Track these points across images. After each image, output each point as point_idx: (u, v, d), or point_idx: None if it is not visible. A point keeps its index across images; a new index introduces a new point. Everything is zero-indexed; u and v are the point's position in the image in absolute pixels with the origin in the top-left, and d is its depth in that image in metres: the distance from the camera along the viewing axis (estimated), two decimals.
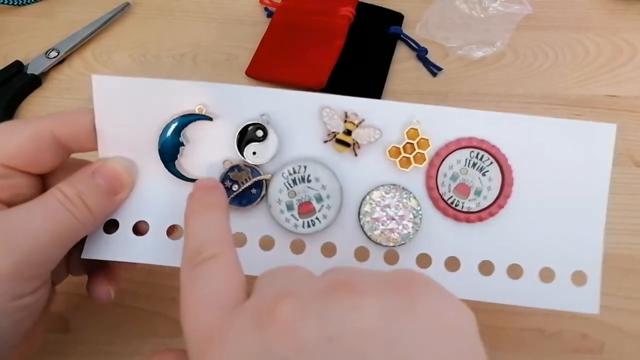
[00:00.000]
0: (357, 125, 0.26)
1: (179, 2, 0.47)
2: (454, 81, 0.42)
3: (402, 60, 0.44)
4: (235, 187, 0.26)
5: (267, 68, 0.42)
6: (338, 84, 0.41)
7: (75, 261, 0.28)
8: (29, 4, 0.47)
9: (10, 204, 0.24)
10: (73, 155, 0.27)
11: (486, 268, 0.27)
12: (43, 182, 0.27)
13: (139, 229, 0.27)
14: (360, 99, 0.26)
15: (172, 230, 0.27)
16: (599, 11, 0.46)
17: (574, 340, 0.30)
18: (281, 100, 0.26)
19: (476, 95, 0.41)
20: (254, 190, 0.26)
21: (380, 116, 0.26)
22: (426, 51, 0.43)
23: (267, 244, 0.27)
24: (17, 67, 0.42)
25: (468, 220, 0.27)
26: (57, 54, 0.43)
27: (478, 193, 0.27)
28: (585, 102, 0.41)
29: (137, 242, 0.26)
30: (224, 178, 0.26)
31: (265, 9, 0.46)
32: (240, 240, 0.27)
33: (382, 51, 0.44)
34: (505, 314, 0.31)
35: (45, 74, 0.43)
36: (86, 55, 0.44)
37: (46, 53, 0.43)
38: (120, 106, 0.26)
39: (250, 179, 0.26)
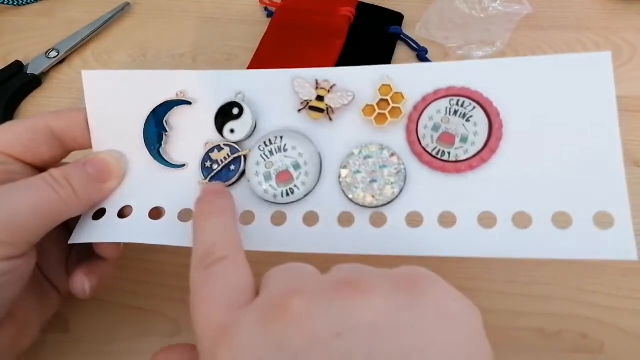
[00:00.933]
0: (328, 91, 0.26)
1: (179, 2, 0.47)
2: None
3: (402, 60, 0.44)
4: (215, 167, 0.27)
5: (267, 68, 0.42)
6: None
7: (74, 265, 0.29)
8: (29, 4, 0.47)
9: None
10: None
11: (487, 220, 0.24)
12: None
13: (124, 213, 0.27)
14: (330, 68, 0.27)
15: (155, 212, 0.27)
16: (599, 11, 0.46)
17: (574, 340, 0.30)
18: (254, 79, 0.27)
19: None
20: (232, 167, 0.27)
21: (352, 79, 0.26)
22: (426, 51, 0.43)
23: (247, 218, 0.26)
24: (17, 67, 0.42)
25: (458, 170, 0.25)
26: (57, 54, 0.43)
27: (464, 140, 0.25)
28: None
29: (121, 225, 0.27)
30: (205, 159, 0.27)
31: (265, 9, 0.46)
32: None
33: (382, 51, 0.43)
34: (506, 313, 0.31)
35: (45, 74, 0.43)
36: (86, 55, 0.44)
37: (46, 53, 0.43)
38: (108, 98, 0.28)
39: (229, 156, 0.27)
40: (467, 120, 0.25)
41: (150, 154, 0.28)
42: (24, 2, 0.47)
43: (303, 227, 0.26)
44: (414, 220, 0.25)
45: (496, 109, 0.25)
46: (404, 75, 0.26)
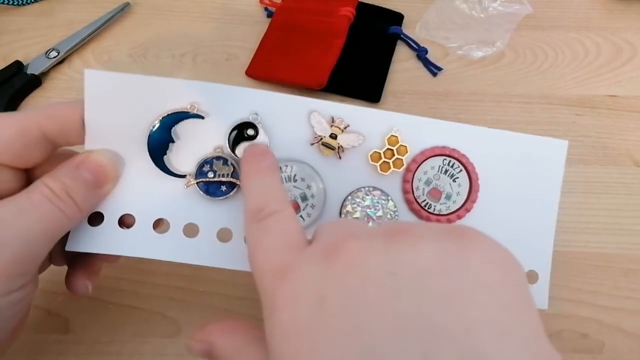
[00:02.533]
0: (342, 130, 0.28)
1: (179, 2, 0.47)
2: (454, 81, 0.42)
3: (402, 60, 0.44)
4: (210, 175, 0.27)
5: (267, 68, 0.42)
6: (338, 84, 0.41)
7: (57, 252, 0.28)
8: (29, 4, 0.47)
9: None
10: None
11: None
12: (28, 174, 0.26)
13: (125, 221, 0.27)
14: (347, 105, 0.28)
15: (158, 224, 0.27)
16: (599, 11, 0.46)
17: (574, 340, 0.30)
18: (272, 102, 0.27)
19: (476, 95, 0.41)
20: (224, 188, 0.27)
21: (365, 123, 0.28)
22: (426, 51, 0.43)
23: None
24: (17, 67, 0.42)
25: (439, 222, 0.29)
26: (57, 54, 0.43)
27: (448, 197, 0.29)
28: (585, 102, 0.41)
29: (123, 235, 0.26)
30: (206, 161, 0.27)
31: (265, 9, 0.46)
32: (225, 234, 0.27)
33: (382, 51, 0.44)
34: None
35: (45, 74, 0.43)
36: (86, 55, 0.44)
37: (46, 53, 0.43)
38: (111, 101, 0.26)
39: (228, 176, 0.27)
40: (454, 181, 0.29)
41: (153, 161, 0.27)
42: (24, 2, 0.47)
43: None
44: None
45: (477, 174, 0.29)
46: (409, 127, 0.28)
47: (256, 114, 0.27)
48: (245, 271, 0.32)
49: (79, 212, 0.25)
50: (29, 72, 0.42)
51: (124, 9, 0.46)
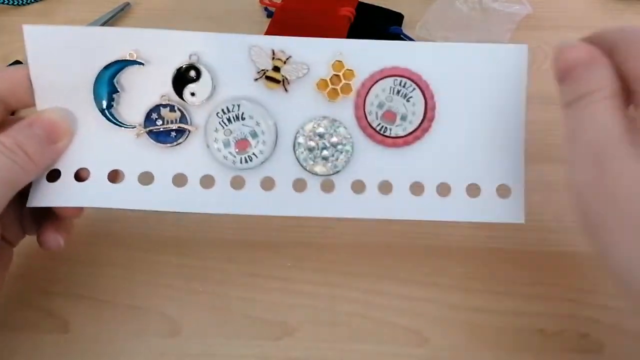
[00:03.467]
0: (284, 62, 0.27)
1: (179, 2, 0.47)
2: None
3: None
4: (159, 123, 0.27)
5: None
6: None
7: (28, 220, 0.29)
8: (29, 4, 0.47)
9: None
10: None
11: (417, 189, 0.29)
12: None
13: (81, 175, 0.27)
14: (286, 37, 0.28)
15: (113, 175, 0.28)
16: (599, 11, 0.46)
17: (574, 340, 0.30)
18: (210, 42, 0.27)
19: None
20: (173, 134, 0.27)
21: (307, 52, 0.28)
22: None
23: (207, 182, 0.28)
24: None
25: (396, 145, 0.28)
26: None
27: (404, 118, 0.28)
28: None
29: (80, 188, 0.27)
30: (154, 110, 0.27)
31: (265, 9, 0.46)
32: (181, 179, 0.28)
33: None
34: (506, 313, 0.31)
35: None
36: None
37: None
38: (53, 55, 0.27)
39: (176, 122, 0.27)
40: (407, 100, 0.28)
41: (102, 113, 0.27)
42: (24, 2, 0.47)
43: (261, 191, 0.28)
44: (358, 187, 0.29)
45: (431, 91, 0.28)
46: (355, 51, 0.28)
47: (195, 54, 0.27)
48: (247, 273, 0.33)
49: (33, 164, 0.26)
50: None
51: (124, 9, 0.46)
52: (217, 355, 0.30)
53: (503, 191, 0.28)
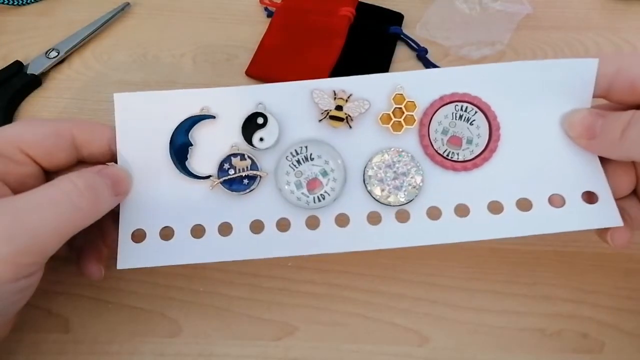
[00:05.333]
0: (346, 100, 0.28)
1: (179, 2, 0.47)
2: None
3: (402, 60, 0.44)
4: (231, 172, 0.28)
5: (267, 68, 0.42)
6: None
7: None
8: (29, 4, 0.47)
9: (15, 191, 0.26)
10: None
11: (495, 207, 0.28)
12: (47, 176, 0.28)
13: (166, 234, 0.28)
14: (344, 77, 0.28)
15: (196, 230, 0.28)
16: (599, 11, 0.46)
17: (574, 340, 0.30)
18: (274, 93, 0.29)
19: None
20: (246, 181, 0.28)
21: (366, 89, 0.28)
22: (426, 51, 0.43)
23: (283, 226, 0.28)
24: (17, 67, 0.42)
25: (465, 169, 0.28)
26: (57, 54, 0.43)
27: (470, 142, 0.29)
28: None
29: (166, 246, 0.28)
30: (225, 160, 0.28)
31: (265, 9, 0.46)
32: (258, 226, 0.28)
33: (382, 51, 0.44)
34: (506, 313, 0.31)
35: (45, 74, 0.42)
36: (86, 55, 0.44)
37: (46, 53, 0.43)
38: (137, 120, 0.29)
39: (247, 169, 0.28)
40: (471, 124, 0.28)
41: (177, 167, 0.28)
42: (24, 2, 0.47)
43: (336, 228, 0.28)
44: (433, 214, 0.28)
45: (493, 112, 0.28)
46: (412, 83, 0.28)
47: (261, 103, 0.29)
48: (247, 273, 0.33)
49: (96, 209, 0.26)
50: (29, 72, 0.42)
51: (124, 9, 0.46)
52: (217, 355, 0.30)
53: (589, 197, 0.28)
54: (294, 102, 0.29)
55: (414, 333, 0.31)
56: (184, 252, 0.28)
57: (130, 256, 0.28)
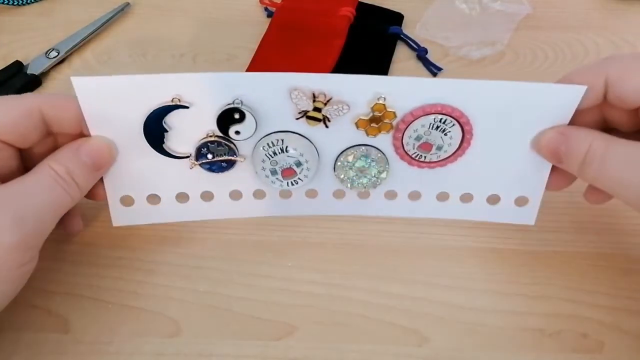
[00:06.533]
0: (325, 104, 0.28)
1: (179, 2, 0.47)
2: None
3: (402, 60, 0.44)
4: (210, 156, 0.30)
5: (267, 68, 0.42)
6: None
7: None
8: (29, 4, 0.47)
9: None
10: None
11: (442, 197, 0.32)
12: (21, 153, 0.29)
13: (152, 199, 0.31)
14: (325, 75, 0.27)
15: (180, 196, 0.31)
16: (599, 11, 0.46)
17: (574, 340, 0.30)
18: (250, 83, 0.28)
19: None
20: (224, 164, 0.30)
21: (348, 91, 0.28)
22: (426, 51, 0.43)
23: (259, 194, 0.32)
24: (17, 67, 0.42)
25: (429, 167, 0.31)
26: (57, 54, 0.43)
27: (439, 148, 0.30)
28: None
29: (155, 209, 0.32)
30: (203, 146, 0.29)
31: (265, 9, 0.46)
32: (236, 194, 0.32)
33: (382, 51, 0.44)
34: (506, 313, 0.31)
35: (45, 74, 0.43)
36: (86, 55, 0.44)
37: (46, 53, 0.43)
38: (103, 103, 0.28)
39: (225, 155, 0.30)
40: (445, 134, 0.29)
41: (155, 149, 0.29)
42: (24, 2, 0.47)
43: (306, 199, 0.32)
44: (389, 195, 0.32)
45: (471, 126, 0.29)
46: (395, 90, 0.28)
47: (238, 98, 0.28)
48: (247, 273, 0.33)
49: (80, 192, 0.28)
50: (29, 72, 0.42)
51: (124, 9, 0.46)
52: (217, 355, 0.30)
53: (521, 201, 0.31)
54: (271, 95, 0.28)
55: (414, 333, 0.31)
56: (172, 213, 0.32)
57: (122, 216, 0.31)
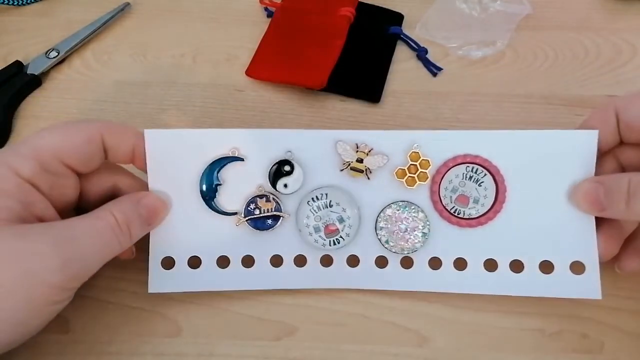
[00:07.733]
0: (367, 154, 0.30)
1: (179, 2, 0.47)
2: (454, 81, 0.42)
3: (402, 60, 0.44)
4: (257, 212, 0.30)
5: (267, 68, 0.42)
6: (338, 84, 0.41)
7: None
8: (29, 4, 0.47)
9: (55, 203, 0.27)
10: None
11: (490, 265, 0.31)
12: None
13: (193, 262, 0.31)
14: (368, 131, 0.31)
15: (221, 260, 0.31)
16: (599, 11, 0.46)
17: (574, 340, 0.30)
18: (301, 138, 0.31)
19: (476, 95, 0.41)
20: (269, 221, 0.31)
21: (386, 144, 0.31)
22: (426, 51, 0.43)
23: (300, 261, 0.31)
24: (17, 67, 0.42)
25: (470, 226, 0.31)
26: (57, 54, 0.43)
27: (476, 201, 0.31)
28: (585, 102, 0.41)
29: (194, 275, 0.31)
30: (251, 201, 0.31)
31: (265, 9, 0.46)
32: (277, 260, 0.31)
33: (382, 51, 0.44)
34: (506, 314, 0.31)
35: (45, 74, 0.43)
36: (86, 55, 0.44)
37: (46, 53, 0.43)
38: (168, 156, 0.30)
39: (272, 211, 0.30)
40: (479, 185, 0.31)
41: (206, 204, 0.30)
42: (24, 2, 0.47)
43: (347, 268, 0.31)
44: (434, 264, 0.31)
45: (502, 176, 0.30)
46: (429, 141, 0.31)
47: (290, 151, 0.31)
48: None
49: (130, 243, 0.28)
50: (29, 72, 0.42)
51: (124, 9, 0.46)
52: (217, 355, 0.30)
53: (577, 267, 0.30)
54: (318, 148, 0.31)
55: (414, 333, 0.31)
56: (210, 280, 0.31)
57: (160, 281, 0.30)
